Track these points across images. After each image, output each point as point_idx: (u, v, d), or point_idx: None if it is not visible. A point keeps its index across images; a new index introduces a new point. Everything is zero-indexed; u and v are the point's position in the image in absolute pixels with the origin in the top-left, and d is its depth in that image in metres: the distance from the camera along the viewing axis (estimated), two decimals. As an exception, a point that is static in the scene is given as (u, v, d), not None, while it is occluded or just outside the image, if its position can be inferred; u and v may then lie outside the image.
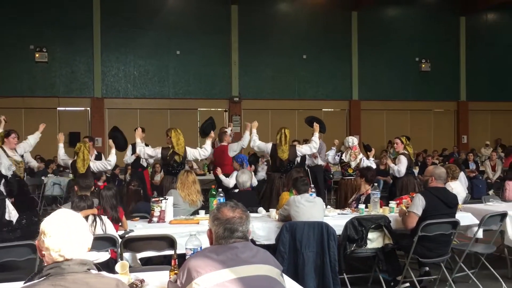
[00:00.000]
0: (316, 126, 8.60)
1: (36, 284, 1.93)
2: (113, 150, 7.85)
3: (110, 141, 8.19)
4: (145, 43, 17.23)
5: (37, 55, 16.16)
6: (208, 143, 7.92)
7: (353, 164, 8.01)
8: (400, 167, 7.96)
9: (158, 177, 10.55)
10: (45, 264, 2.02)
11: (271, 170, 8.48)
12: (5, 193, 7.00)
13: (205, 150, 7.83)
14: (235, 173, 8.20)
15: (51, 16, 16.27)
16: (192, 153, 7.74)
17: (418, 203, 5.19)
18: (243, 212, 2.50)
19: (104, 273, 2.10)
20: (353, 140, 8.18)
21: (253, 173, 8.15)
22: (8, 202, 6.86)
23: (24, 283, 2.05)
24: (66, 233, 2.02)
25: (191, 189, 5.94)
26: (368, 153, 8.94)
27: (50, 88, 16.56)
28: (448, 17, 20.18)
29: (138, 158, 9.44)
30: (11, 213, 6.80)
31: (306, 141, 10.30)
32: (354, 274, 5.55)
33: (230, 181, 8.03)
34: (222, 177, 8.14)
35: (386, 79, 19.41)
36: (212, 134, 8.42)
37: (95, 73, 16.85)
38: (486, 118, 20.89)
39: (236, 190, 7.00)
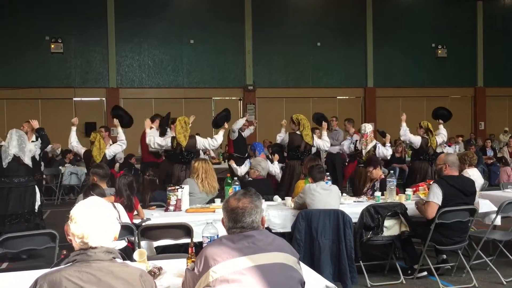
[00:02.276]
0: (325, 124, 8.85)
1: (62, 269, 1.96)
2: (120, 129, 7.83)
3: (115, 120, 8.11)
4: (158, 32, 17.25)
5: (52, 46, 16.28)
6: (221, 133, 7.92)
7: (364, 152, 7.96)
8: (411, 137, 8.38)
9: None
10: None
11: (289, 158, 8.46)
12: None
13: (215, 140, 7.85)
14: (247, 162, 8.24)
15: (66, 7, 16.36)
16: (202, 142, 7.78)
17: (437, 192, 5.14)
18: (250, 202, 2.46)
19: (129, 262, 2.12)
20: (365, 128, 8.04)
21: (276, 162, 8.13)
22: (37, 189, 6.93)
23: (51, 267, 2.09)
24: (91, 221, 2.04)
25: (213, 176, 6.00)
26: (384, 139, 8.91)
27: (65, 78, 16.70)
28: (465, 2, 19.85)
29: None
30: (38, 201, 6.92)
31: (317, 129, 10.24)
32: (371, 262, 5.54)
33: (239, 170, 8.03)
34: (233, 165, 8.16)
35: (402, 65, 19.20)
36: (226, 125, 8.45)
37: (110, 63, 16.94)
38: (504, 104, 20.59)
39: (250, 179, 7.00)
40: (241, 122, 10.44)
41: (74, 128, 7.90)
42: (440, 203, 5.12)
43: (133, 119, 9.14)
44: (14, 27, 16.03)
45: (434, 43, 19.47)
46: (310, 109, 17.52)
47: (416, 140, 8.42)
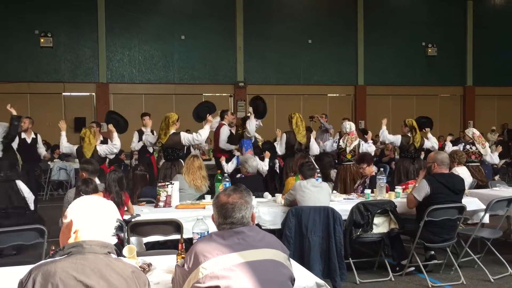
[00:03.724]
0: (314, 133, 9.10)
1: (57, 261, 1.95)
2: (115, 134, 7.75)
3: (110, 125, 7.94)
4: (149, 27, 17.16)
5: (42, 40, 16.15)
6: (206, 127, 7.64)
7: (347, 150, 8.05)
8: (390, 138, 8.59)
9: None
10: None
11: (287, 156, 8.38)
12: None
13: (199, 135, 7.56)
14: (234, 159, 8.22)
15: (56, 1, 16.22)
16: (186, 138, 7.56)
17: (421, 189, 5.20)
18: (240, 197, 2.46)
19: (123, 258, 2.11)
20: (350, 126, 8.23)
21: (267, 159, 8.08)
22: (20, 183, 6.77)
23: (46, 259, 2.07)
24: (88, 215, 2.06)
25: (196, 175, 5.93)
26: (365, 136, 9.05)
27: (55, 73, 16.56)
28: (455, 1, 19.96)
29: (145, 144, 9.46)
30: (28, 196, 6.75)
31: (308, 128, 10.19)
32: (360, 259, 5.57)
33: (226, 167, 8.00)
34: (222, 162, 8.10)
35: (392, 64, 19.28)
36: (210, 118, 7.96)
37: (100, 58, 16.83)
38: (493, 103, 20.76)
39: (238, 175, 6.99)
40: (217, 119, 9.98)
41: (64, 133, 7.91)
42: (420, 199, 5.19)
43: (128, 124, 9.08)
44: (3, 21, 15.86)
45: (425, 41, 19.58)
46: (300, 107, 17.57)
47: (395, 139, 8.66)
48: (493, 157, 8.50)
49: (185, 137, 7.55)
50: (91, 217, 2.06)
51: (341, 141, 8.31)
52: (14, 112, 7.45)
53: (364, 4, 18.96)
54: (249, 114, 8.68)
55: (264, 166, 7.86)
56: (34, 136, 9.03)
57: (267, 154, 8.15)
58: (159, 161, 10.99)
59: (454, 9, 19.97)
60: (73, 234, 2.05)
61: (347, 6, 18.89)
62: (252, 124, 8.41)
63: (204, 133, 7.61)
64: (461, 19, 20.07)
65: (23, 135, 8.86)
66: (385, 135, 8.73)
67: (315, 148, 8.48)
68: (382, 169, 6.53)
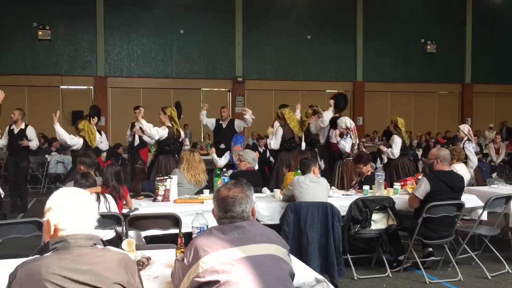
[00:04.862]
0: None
1: (41, 258, 1.93)
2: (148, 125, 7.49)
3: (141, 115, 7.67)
4: (148, 21, 17.11)
5: (40, 32, 16.08)
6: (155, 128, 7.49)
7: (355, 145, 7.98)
8: (394, 148, 7.97)
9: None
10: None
11: (283, 149, 8.31)
12: None
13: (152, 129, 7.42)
14: (227, 154, 8.22)
15: (54, -7, 16.15)
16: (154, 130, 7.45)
17: (422, 187, 5.20)
18: (241, 191, 2.45)
19: (110, 247, 2.09)
20: (350, 122, 8.08)
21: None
22: None
23: (32, 255, 2.05)
24: (69, 208, 2.03)
25: (198, 169, 5.91)
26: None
27: (53, 66, 16.51)
28: (455, -2, 19.97)
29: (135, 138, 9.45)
30: None
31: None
32: (358, 255, 5.57)
33: (219, 161, 7.99)
34: (214, 156, 8.09)
35: (391, 60, 19.28)
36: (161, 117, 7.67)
37: (98, 52, 16.77)
38: (491, 100, 20.79)
39: (229, 171, 6.99)
40: (203, 112, 9.66)
41: (58, 126, 7.92)
42: (422, 198, 5.19)
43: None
44: (1, 13, 15.80)
45: (424, 38, 19.56)
46: (299, 102, 17.51)
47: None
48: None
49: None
50: (72, 210, 2.03)
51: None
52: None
53: (364, 0, 18.93)
54: (330, 107, 8.55)
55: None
56: (23, 127, 8.90)
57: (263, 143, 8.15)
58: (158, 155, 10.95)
59: (454, 6, 19.96)
60: (56, 229, 2.01)
61: (346, 1, 18.86)
62: (328, 116, 8.27)
63: (154, 131, 7.38)
64: (461, 16, 20.06)
65: (12, 126, 8.81)
66: (396, 150, 8.15)
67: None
68: (380, 165, 6.52)
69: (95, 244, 2.01)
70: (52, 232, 2.03)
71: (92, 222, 2.07)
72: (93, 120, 8.52)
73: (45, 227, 2.06)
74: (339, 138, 7.89)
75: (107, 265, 1.97)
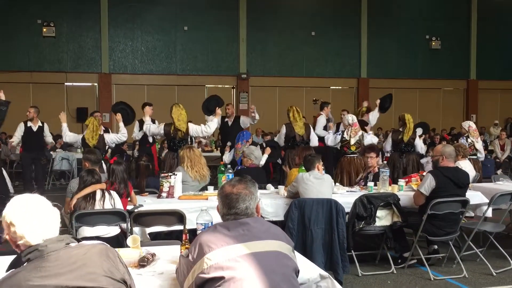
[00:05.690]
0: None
1: (18, 271, 1.84)
2: (121, 124, 7.84)
3: (119, 115, 8.07)
4: (152, 18, 17.11)
5: (44, 29, 16.10)
6: (215, 120, 7.84)
7: (352, 141, 8.00)
8: (385, 144, 8.29)
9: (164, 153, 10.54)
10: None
11: (288, 147, 8.45)
12: None
13: (208, 127, 7.71)
14: (232, 150, 8.25)
15: (59, -10, 16.17)
16: (195, 129, 7.68)
17: (427, 183, 5.20)
18: (245, 188, 2.45)
19: (84, 242, 2.02)
20: (352, 118, 8.18)
21: (266, 155, 8.03)
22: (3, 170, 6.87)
23: (6, 271, 1.94)
24: (29, 218, 1.93)
25: (201, 163, 5.92)
26: (365, 127, 9.01)
27: (57, 63, 16.54)
28: (460, -6, 19.86)
29: (145, 134, 9.43)
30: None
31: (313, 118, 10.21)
32: (362, 251, 5.57)
33: (225, 157, 8.02)
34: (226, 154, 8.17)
35: (395, 57, 19.21)
36: (219, 111, 8.21)
37: (103, 49, 16.79)
38: (496, 97, 20.69)
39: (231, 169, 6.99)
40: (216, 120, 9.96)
41: (65, 125, 7.90)
42: (428, 194, 5.19)
43: (135, 115, 9.08)
44: (6, 10, 15.83)
45: (428, 34, 19.48)
46: (303, 99, 17.51)
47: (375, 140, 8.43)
48: (482, 153, 8.48)
49: (193, 128, 7.62)
50: (33, 218, 1.93)
51: (345, 133, 8.28)
52: (3, 97, 7.43)
53: (368, -4, 18.89)
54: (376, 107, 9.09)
55: (261, 162, 7.84)
56: (41, 125, 9.04)
57: (268, 150, 8.15)
58: (161, 151, 10.97)
59: (458, 2, 19.87)
60: (23, 241, 1.92)
61: (351, -2, 18.80)
62: (375, 116, 9.12)
63: (213, 125, 7.79)
64: (465, 12, 19.96)
65: (29, 124, 8.90)
66: (372, 139, 8.36)
67: (315, 140, 8.51)
68: (385, 161, 6.51)
69: (68, 244, 1.94)
70: (19, 244, 1.95)
71: (56, 223, 2.00)
72: (117, 116, 8.30)
73: (11, 242, 1.97)
74: (331, 131, 8.62)
75: (88, 261, 1.91)
